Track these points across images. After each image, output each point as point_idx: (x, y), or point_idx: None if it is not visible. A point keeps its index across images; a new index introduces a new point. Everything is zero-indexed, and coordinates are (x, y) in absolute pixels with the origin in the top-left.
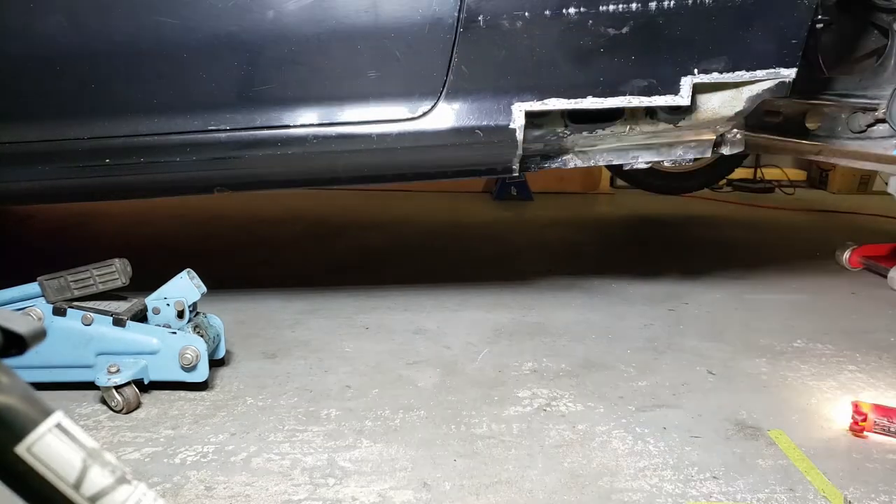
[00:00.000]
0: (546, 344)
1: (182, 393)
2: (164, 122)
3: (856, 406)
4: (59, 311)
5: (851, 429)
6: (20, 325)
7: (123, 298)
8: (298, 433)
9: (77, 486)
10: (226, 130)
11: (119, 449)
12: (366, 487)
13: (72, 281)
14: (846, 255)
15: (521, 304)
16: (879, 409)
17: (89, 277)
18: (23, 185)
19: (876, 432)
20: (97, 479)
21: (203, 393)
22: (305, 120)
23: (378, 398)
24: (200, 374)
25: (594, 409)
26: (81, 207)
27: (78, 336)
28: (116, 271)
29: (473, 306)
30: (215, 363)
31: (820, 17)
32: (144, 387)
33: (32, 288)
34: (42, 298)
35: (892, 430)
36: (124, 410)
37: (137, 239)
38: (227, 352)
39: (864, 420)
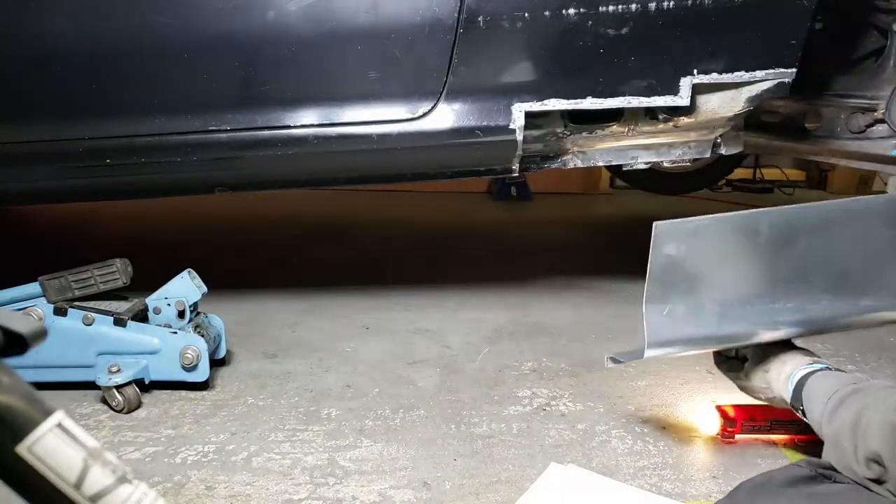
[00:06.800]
0: (546, 344)
1: (183, 393)
2: (164, 123)
3: (722, 411)
4: (59, 311)
5: (721, 435)
6: (21, 325)
7: (124, 298)
8: (299, 433)
9: (78, 485)
10: (226, 131)
11: (120, 448)
12: (366, 487)
13: (73, 281)
14: None
15: (521, 304)
16: (740, 409)
17: (90, 277)
18: (23, 185)
19: (743, 433)
20: (98, 478)
21: (204, 392)
22: (306, 120)
23: (378, 398)
24: (201, 373)
25: (594, 408)
26: (81, 207)
27: (79, 336)
28: (117, 271)
29: (473, 306)
30: (216, 363)
31: (819, 17)
32: (145, 386)
33: (33, 288)
34: (43, 298)
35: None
36: (125, 410)
37: (138, 239)
38: (228, 351)
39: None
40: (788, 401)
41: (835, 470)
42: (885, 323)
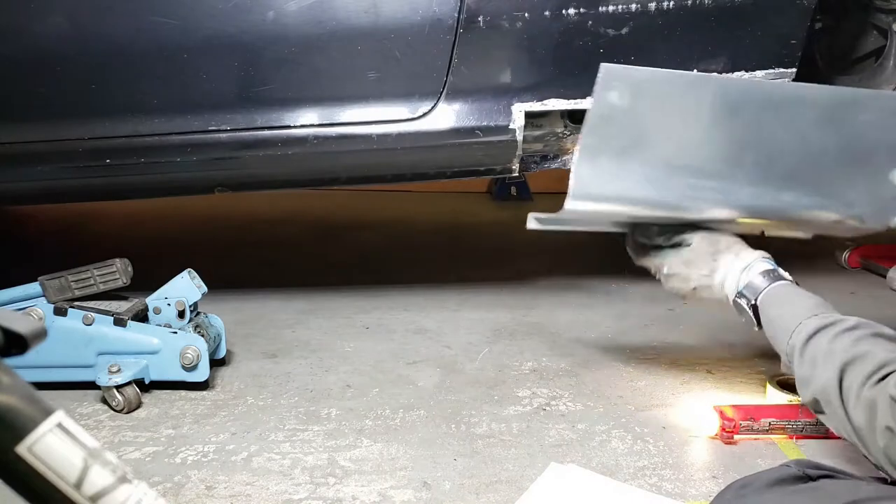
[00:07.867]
0: (546, 343)
1: (183, 392)
2: (164, 123)
3: (721, 412)
4: (60, 311)
5: (720, 436)
6: (21, 325)
7: (124, 298)
8: (299, 432)
9: (78, 485)
10: (226, 131)
11: (120, 448)
12: (366, 486)
13: (73, 281)
14: (845, 255)
15: (521, 304)
16: (738, 410)
17: (90, 277)
18: (23, 185)
19: (742, 433)
20: (98, 478)
21: (204, 392)
22: (306, 120)
23: (378, 397)
24: (201, 373)
25: (594, 408)
26: (81, 207)
27: (79, 336)
28: (117, 271)
29: (473, 306)
30: (216, 363)
31: (819, 17)
32: (145, 386)
33: (33, 288)
34: (43, 298)
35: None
36: (125, 410)
37: (138, 239)
38: (228, 351)
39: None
40: (731, 294)
41: (821, 469)
42: (819, 222)
